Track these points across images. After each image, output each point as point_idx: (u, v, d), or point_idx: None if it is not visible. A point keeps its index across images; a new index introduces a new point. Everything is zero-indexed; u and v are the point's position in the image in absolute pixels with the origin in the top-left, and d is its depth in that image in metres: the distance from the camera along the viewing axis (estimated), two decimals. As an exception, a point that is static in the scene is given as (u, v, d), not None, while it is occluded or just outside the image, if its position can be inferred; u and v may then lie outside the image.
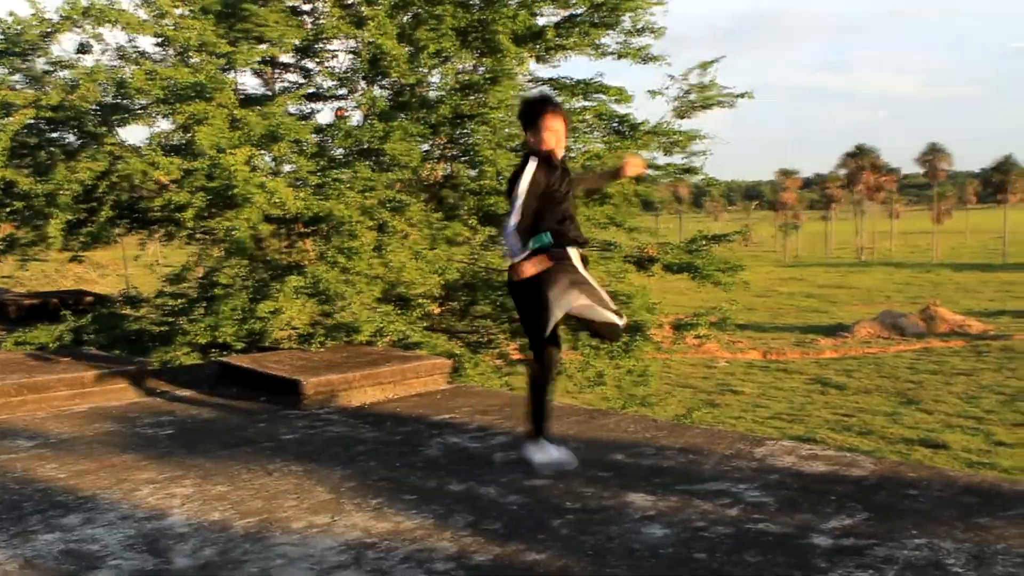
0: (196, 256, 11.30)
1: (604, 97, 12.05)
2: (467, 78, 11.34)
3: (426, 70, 11.08)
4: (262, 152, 10.07)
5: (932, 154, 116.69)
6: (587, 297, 4.92)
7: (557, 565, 3.72)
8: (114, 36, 24.05)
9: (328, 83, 11.94)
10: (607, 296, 5.05)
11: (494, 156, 10.56)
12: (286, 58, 11.50)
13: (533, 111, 5.07)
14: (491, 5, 10.94)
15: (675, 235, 32.24)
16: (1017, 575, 3.47)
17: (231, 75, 10.47)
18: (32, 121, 10.07)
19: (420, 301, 10.64)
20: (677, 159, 12.59)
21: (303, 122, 10.63)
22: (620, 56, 12.10)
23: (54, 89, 9.89)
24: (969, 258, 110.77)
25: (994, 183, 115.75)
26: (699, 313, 12.99)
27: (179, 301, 10.84)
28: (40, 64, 10.49)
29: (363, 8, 10.76)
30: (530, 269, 4.83)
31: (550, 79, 12.30)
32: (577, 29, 11.50)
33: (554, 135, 5.02)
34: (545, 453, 5.09)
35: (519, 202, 4.81)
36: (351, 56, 11.66)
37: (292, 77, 12.00)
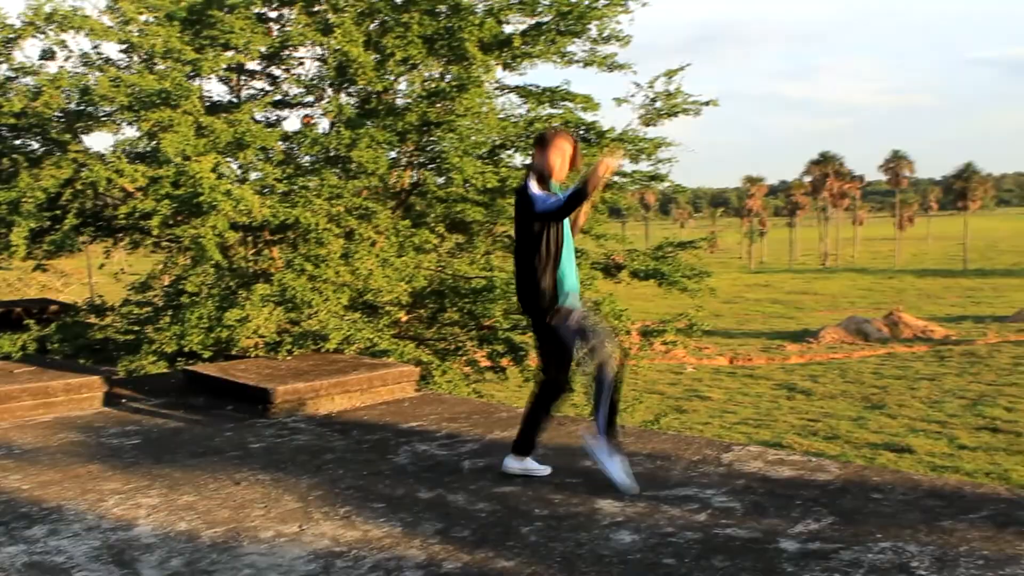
0: (162, 264, 11.22)
1: (571, 104, 12.09)
2: (434, 85, 11.34)
3: (393, 77, 11.07)
4: (228, 159, 10.02)
5: (895, 161, 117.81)
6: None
7: (527, 572, 3.72)
8: (78, 42, 23.88)
9: (295, 90, 11.91)
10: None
11: (461, 163, 10.56)
12: (253, 65, 11.46)
13: (547, 132, 5.15)
14: (458, 13, 10.95)
15: (642, 242, 32.34)
16: (980, 577, 3.51)
17: (197, 82, 10.41)
18: (-6, 128, 9.98)
19: (388, 308, 10.62)
20: (644, 166, 12.67)
21: (270, 129, 10.59)
22: (587, 64, 12.15)
23: (16, 96, 9.80)
24: (931, 264, 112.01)
25: (955, 190, 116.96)
26: (666, 320, 13.05)
27: (145, 309, 10.76)
28: (2, 70, 10.39)
29: (330, 15, 10.74)
30: (606, 165, 4.83)
31: (517, 87, 12.34)
32: (544, 37, 11.53)
33: (560, 154, 5.06)
34: (523, 464, 5.14)
35: (541, 195, 4.91)
36: (318, 63, 11.64)
37: (259, 84, 11.97)
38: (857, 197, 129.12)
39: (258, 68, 11.73)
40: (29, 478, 5.32)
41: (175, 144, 9.15)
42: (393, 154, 11.55)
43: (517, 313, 10.74)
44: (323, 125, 11.46)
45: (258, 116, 11.28)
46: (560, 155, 5.06)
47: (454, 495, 4.79)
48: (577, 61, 12.16)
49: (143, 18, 10.26)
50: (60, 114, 10.14)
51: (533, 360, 12.21)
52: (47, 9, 9.91)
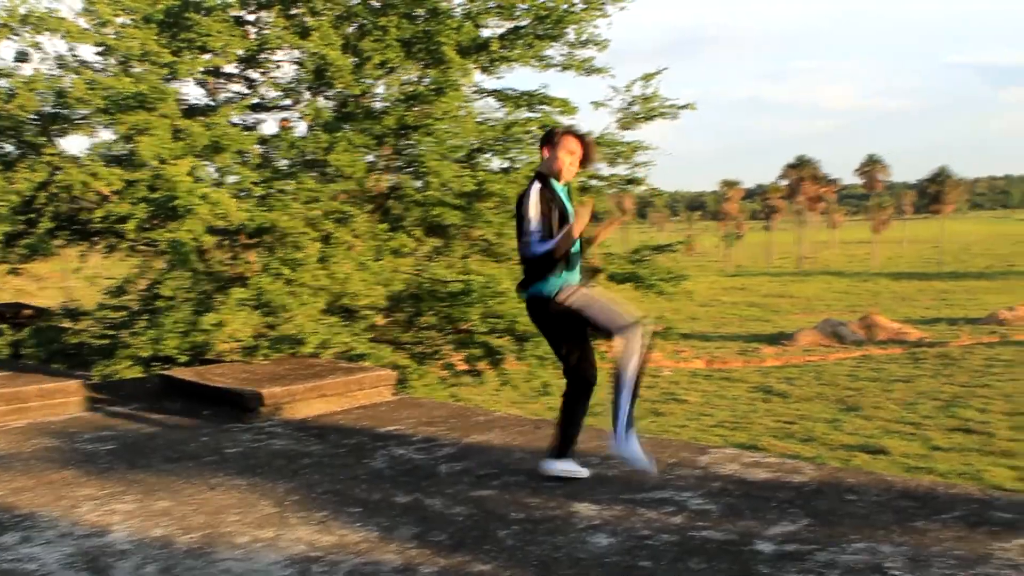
0: (138, 268, 11.15)
1: (549, 108, 12.09)
2: (412, 89, 11.32)
3: (371, 81, 11.05)
4: (205, 163, 9.96)
5: (870, 165, 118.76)
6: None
7: (504, 575, 3.71)
8: (54, 45, 23.69)
9: (272, 94, 11.86)
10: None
11: (439, 167, 10.54)
12: (230, 68, 11.40)
13: (555, 130, 5.04)
14: (436, 16, 10.94)
15: (620, 245, 32.43)
16: (953, 575, 3.53)
17: (174, 85, 10.35)
18: (-32, 131, 9.89)
19: (365, 312, 10.59)
20: (621, 170, 12.69)
21: (247, 133, 10.54)
22: (564, 68, 12.16)
23: (-9, 98, 9.72)
24: (906, 267, 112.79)
25: (930, 194, 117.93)
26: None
27: (121, 314, 10.68)
28: (-25, 73, 10.30)
29: (307, 19, 10.70)
30: (583, 218, 4.75)
31: (495, 90, 12.34)
32: (522, 41, 11.53)
33: (569, 155, 4.94)
34: (565, 465, 5.07)
35: (533, 225, 4.77)
36: (295, 67, 11.60)
37: (236, 87, 11.90)
38: (833, 201, 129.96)
39: (235, 71, 11.67)
40: (2, 484, 5.27)
41: (151, 147, 9.09)
42: (371, 158, 11.52)
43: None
44: (300, 128, 11.42)
45: (235, 119, 11.22)
46: (568, 155, 4.94)
47: (431, 499, 4.78)
48: (555, 65, 12.17)
49: (119, 20, 10.19)
50: (35, 117, 10.05)
51: (510, 363, 12.21)
52: (22, 11, 9.83)
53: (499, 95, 12.22)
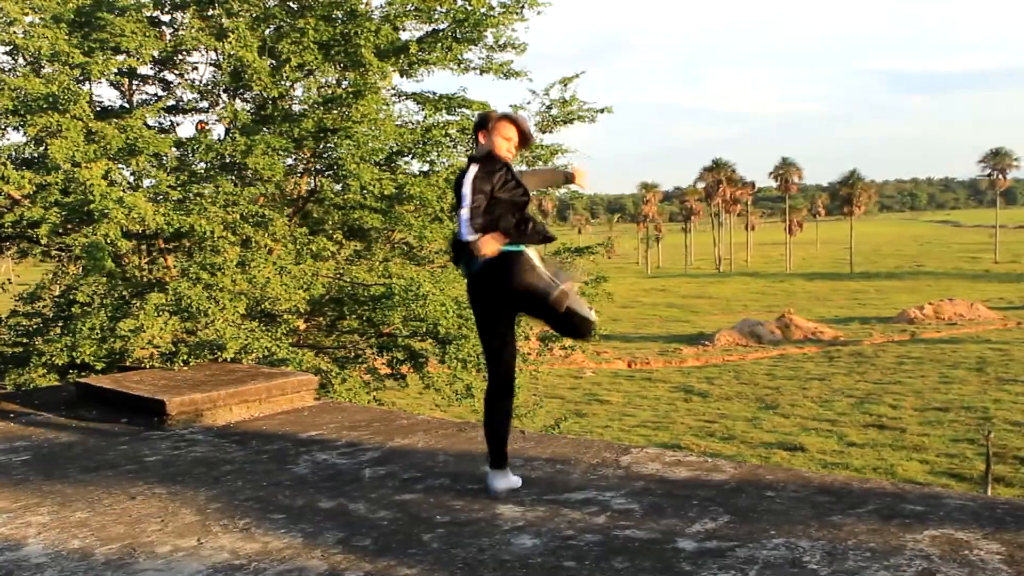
0: (52, 274, 10.91)
1: (468, 111, 12.12)
2: (331, 92, 11.26)
3: (289, 83, 10.96)
4: (120, 166, 9.79)
5: (784, 168, 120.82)
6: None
7: (429, 579, 3.71)
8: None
9: (189, 96, 11.71)
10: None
11: (358, 170, 10.50)
12: (145, 70, 11.23)
13: (489, 115, 4.92)
14: (354, 19, 10.90)
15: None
16: (867, 568, 3.62)
17: (86, 86, 10.15)
18: None
19: (286, 317, 10.51)
20: (541, 173, 12.75)
21: (163, 135, 10.39)
22: (483, 71, 12.20)
23: None
24: (820, 268, 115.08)
25: (841, 196, 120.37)
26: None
27: (34, 321, 10.44)
28: None
29: (224, 20, 10.58)
30: (490, 245, 4.48)
31: (414, 93, 12.32)
32: (440, 44, 11.54)
33: (505, 141, 4.83)
34: (507, 480, 4.90)
35: (466, 202, 4.56)
36: (212, 68, 11.46)
37: (151, 89, 11.72)
38: (749, 203, 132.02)
39: (151, 73, 11.50)
40: (-90, 497, 5.12)
41: (64, 150, 8.91)
42: (289, 161, 11.43)
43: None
44: (218, 131, 11.29)
45: (151, 122, 11.05)
46: (504, 140, 4.82)
47: (355, 504, 4.76)
48: (474, 68, 12.21)
49: (28, 19, 9.96)
50: (-60, 119, 9.79)
51: (433, 367, 12.22)
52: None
53: (418, 98, 12.21)
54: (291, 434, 6.45)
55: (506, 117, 4.92)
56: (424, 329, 11.13)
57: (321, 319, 12.20)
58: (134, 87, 11.44)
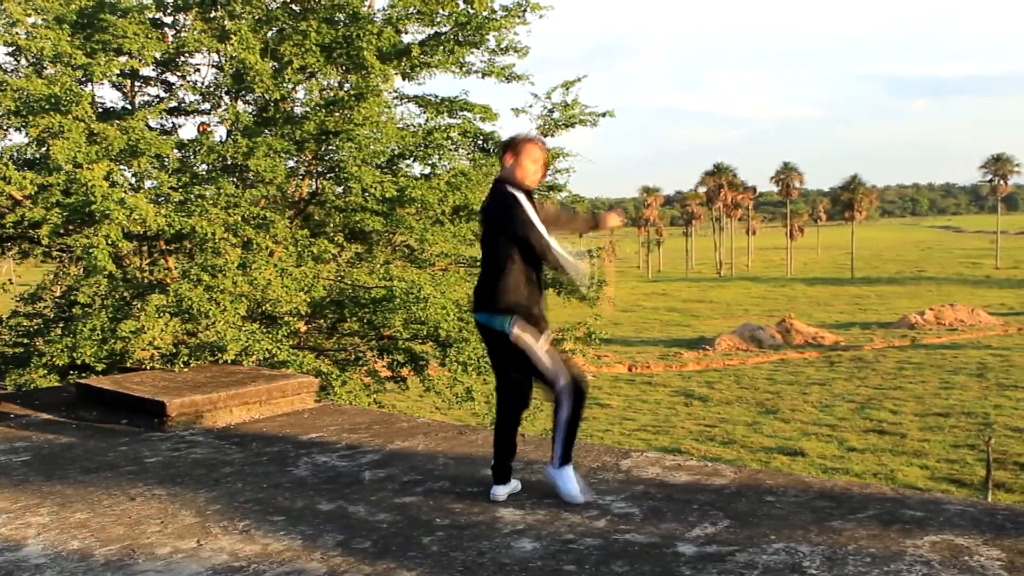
0: (53, 275, 10.91)
1: (469, 115, 12.14)
2: (332, 94, 11.27)
3: (291, 86, 10.97)
4: (122, 167, 9.80)
5: (785, 173, 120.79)
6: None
7: (428, 582, 3.71)
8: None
9: (191, 97, 11.72)
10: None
11: (360, 173, 10.51)
12: (147, 71, 11.23)
13: (517, 138, 4.89)
14: (356, 22, 10.91)
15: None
16: (867, 573, 3.62)
17: (89, 87, 10.17)
18: None
19: (286, 319, 10.51)
20: (542, 176, 12.78)
21: (165, 137, 10.39)
22: (485, 75, 12.22)
23: None
24: (821, 273, 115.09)
25: (843, 201, 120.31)
26: (565, 328, 13.18)
27: (35, 322, 10.45)
28: None
29: (226, 22, 10.59)
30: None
31: (415, 96, 12.34)
32: (442, 47, 11.56)
33: (533, 164, 4.81)
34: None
35: (547, 236, 4.63)
36: (214, 70, 11.46)
37: (153, 91, 11.73)
38: (750, 207, 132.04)
39: (153, 74, 11.50)
40: (-90, 497, 5.12)
41: (66, 151, 8.92)
42: (291, 163, 11.44)
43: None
44: (219, 133, 11.31)
45: (153, 123, 11.06)
46: (533, 163, 4.80)
47: (355, 506, 4.76)
48: (475, 71, 12.22)
49: (31, 20, 9.97)
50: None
51: (433, 369, 12.22)
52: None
53: (420, 101, 12.23)
54: (291, 436, 6.46)
55: (534, 140, 4.91)
56: (425, 332, 11.14)
57: (322, 321, 12.21)
58: (136, 89, 11.45)
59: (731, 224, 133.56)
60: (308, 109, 10.95)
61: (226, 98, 11.39)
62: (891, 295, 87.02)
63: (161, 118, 11.43)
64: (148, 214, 8.84)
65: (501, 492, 4.83)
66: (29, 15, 9.99)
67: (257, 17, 10.75)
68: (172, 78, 11.64)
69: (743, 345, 57.34)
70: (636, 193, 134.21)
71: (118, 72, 10.38)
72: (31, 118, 9.12)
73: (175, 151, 10.37)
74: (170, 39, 10.99)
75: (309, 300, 10.34)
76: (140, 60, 10.24)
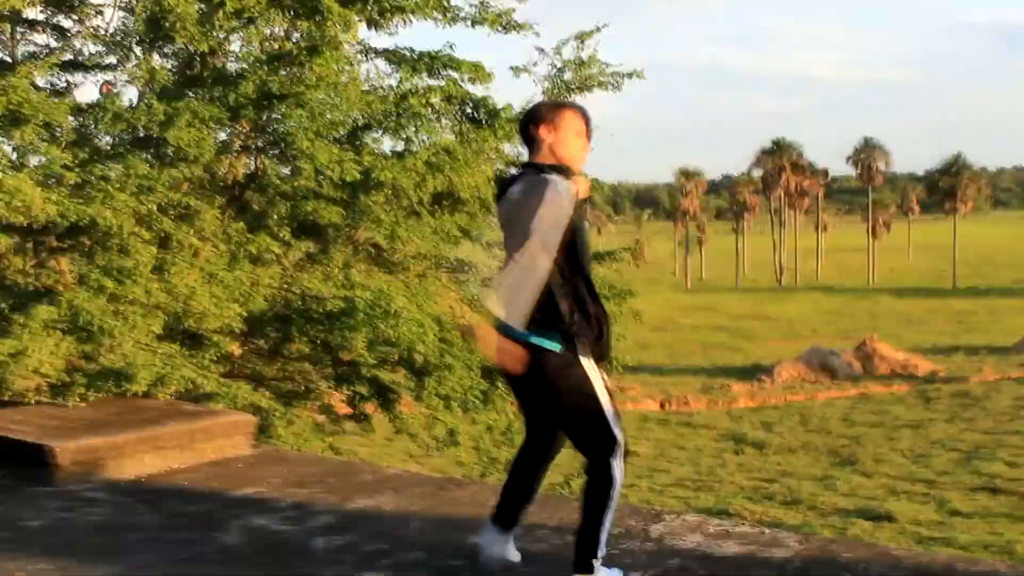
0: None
1: (455, 74, 12.11)
2: (278, 47, 11.27)
3: (224, 35, 10.97)
4: (0, 139, 9.80)
5: (866, 152, 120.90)
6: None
7: None
8: None
9: (92, 48, 11.70)
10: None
11: (312, 149, 10.49)
12: (33, 13, 11.23)
13: (544, 106, 4.79)
14: (309, -48, 10.92)
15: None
16: None
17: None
18: None
19: (215, 339, 10.49)
20: (549, 154, 12.78)
21: (57, 100, 10.38)
22: (475, 22, 12.20)
23: None
24: (913, 281, 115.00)
25: (942, 188, 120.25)
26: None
27: None
28: None
29: (139, -49, 10.60)
30: (516, 360, 4.40)
31: (386, 50, 12.33)
32: (420, -15, 11.56)
33: (579, 139, 4.62)
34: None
35: (534, 239, 4.35)
36: (122, 13, 11.46)
37: (41, 39, 11.72)
38: (820, 196, 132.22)
39: (40, 17, 11.50)
40: None
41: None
42: (223, 135, 11.43)
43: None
44: (129, 95, 11.29)
45: (40, 82, 11.05)
46: (578, 135, 4.61)
47: (302, 584, 4.75)
48: (463, 18, 12.20)
49: None
50: None
51: (407, 405, 12.20)
52: None
53: (391, 56, 12.21)
54: (220, 492, 6.45)
55: (571, 106, 4.77)
56: (395, 356, 11.13)
57: (262, 342, 12.19)
58: (18, 36, 11.45)
59: (795, 218, 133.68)
60: (246, 66, 10.94)
61: (137, 50, 11.39)
62: (1006, 311, 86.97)
63: (52, 75, 11.42)
64: (33, 200, 8.82)
65: (494, 551, 4.80)
66: None
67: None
68: (66, 22, 11.64)
69: (811, 375, 57.37)
70: (671, 177, 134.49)
71: (-7, 14, 10.38)
72: None
73: (70, 118, 10.36)
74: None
75: (245, 314, 10.32)
76: (23, -1, 10.25)
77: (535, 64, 12.80)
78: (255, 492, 6.42)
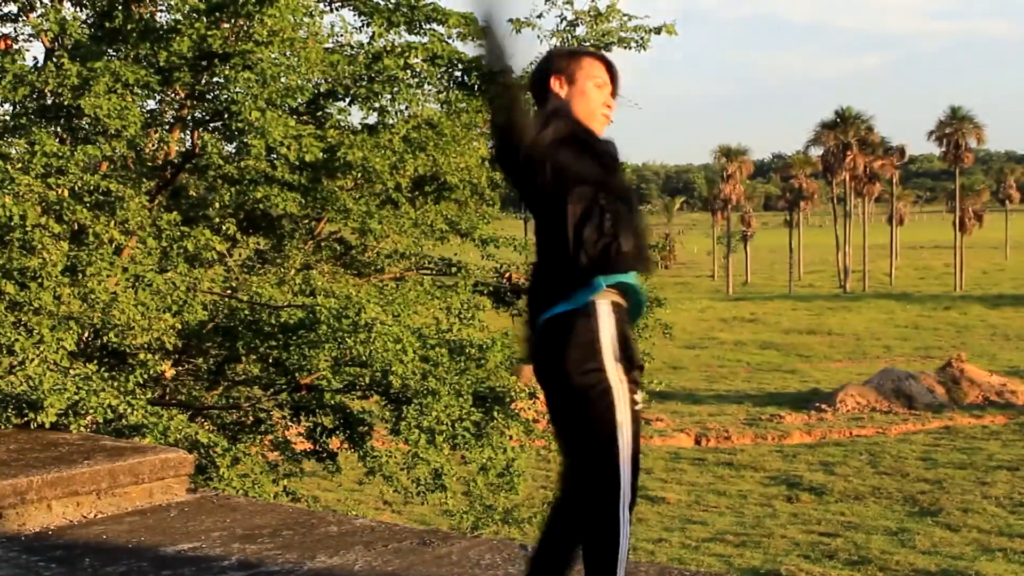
0: None
1: (440, 29, 12.13)
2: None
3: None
4: None
5: (953, 125, 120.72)
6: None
7: None
8: None
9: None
10: None
11: (263, 121, 10.50)
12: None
13: (557, 54, 4.78)
14: None
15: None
16: None
17: None
18: None
19: (143, 357, 10.50)
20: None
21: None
22: (466, -39, 12.23)
23: None
24: (1011, 287, 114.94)
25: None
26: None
27: None
28: None
29: None
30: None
31: (355, -1, 12.36)
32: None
33: (600, 91, 4.61)
34: None
35: (573, 205, 4.29)
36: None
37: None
38: (894, 181, 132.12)
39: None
40: None
41: None
42: (152, 104, 11.45)
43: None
44: (34, 53, 11.31)
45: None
46: (599, 87, 4.61)
47: (252, 662, 4.76)
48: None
49: None
50: None
51: (380, 440, 12.20)
52: None
53: (361, 6, 12.22)
54: (149, 548, 6.45)
55: (588, 53, 4.80)
56: (367, 379, 11.13)
57: (201, 361, 12.20)
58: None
59: (863, 207, 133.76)
60: (179, 17, 10.95)
61: (46, -2, 11.43)
62: None
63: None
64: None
65: None
66: None
67: None
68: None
69: (882, 404, 57.37)
70: (709, 158, 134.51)
71: None
72: None
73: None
74: None
75: (180, 326, 10.33)
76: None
77: (540, 16, 12.82)
78: (192, 548, 6.42)
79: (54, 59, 10.51)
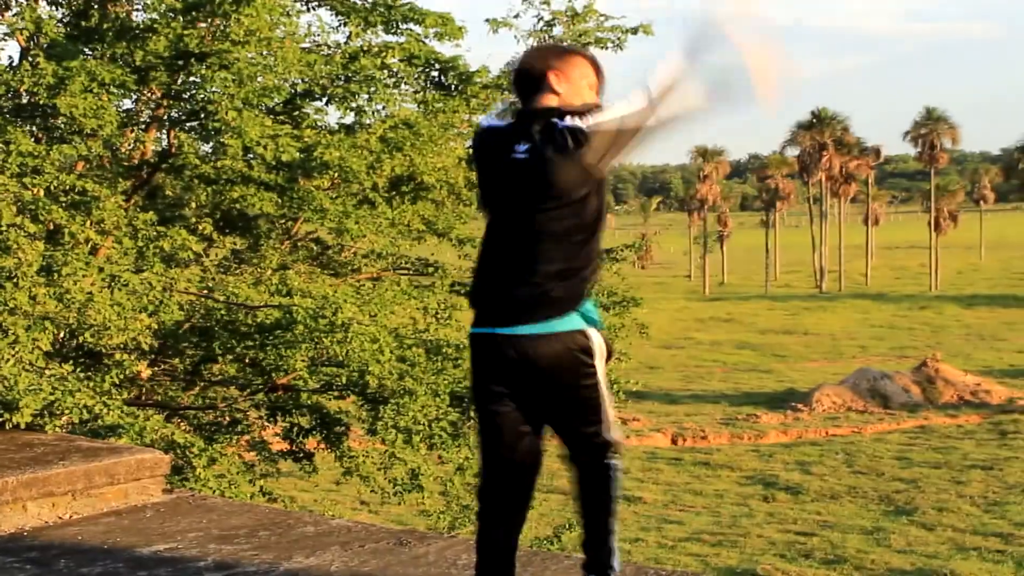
0: None
1: (418, 29, 12.13)
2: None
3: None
4: None
5: (928, 126, 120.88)
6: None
7: None
8: None
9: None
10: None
11: (240, 121, 10.48)
12: None
13: (554, 49, 4.76)
14: None
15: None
16: None
17: None
18: None
19: (119, 357, 10.48)
20: (536, 127, 12.82)
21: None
22: (444, -39, 12.24)
23: None
24: (986, 287, 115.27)
25: (1022, 172, 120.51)
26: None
27: None
28: None
29: None
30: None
31: (332, -1, 12.35)
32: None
33: (590, 90, 4.67)
34: None
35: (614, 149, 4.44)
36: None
37: None
38: (870, 181, 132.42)
39: None
40: None
41: None
42: (128, 104, 11.42)
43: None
44: (9, 52, 11.28)
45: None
46: (591, 87, 4.67)
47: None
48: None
49: None
50: None
51: (357, 440, 12.18)
52: None
53: (339, 6, 12.22)
54: (124, 549, 6.43)
55: (578, 52, 4.86)
56: (344, 379, 11.12)
57: (177, 361, 12.18)
58: None
59: (840, 208, 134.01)
60: (156, 16, 10.93)
61: (22, -3, 11.40)
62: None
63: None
64: None
65: None
66: None
67: None
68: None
69: (858, 403, 57.49)
70: (686, 159, 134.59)
71: None
72: None
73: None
74: None
75: (156, 326, 10.31)
76: None
77: (517, 16, 12.83)
78: (168, 549, 6.40)
79: (30, 58, 10.49)
